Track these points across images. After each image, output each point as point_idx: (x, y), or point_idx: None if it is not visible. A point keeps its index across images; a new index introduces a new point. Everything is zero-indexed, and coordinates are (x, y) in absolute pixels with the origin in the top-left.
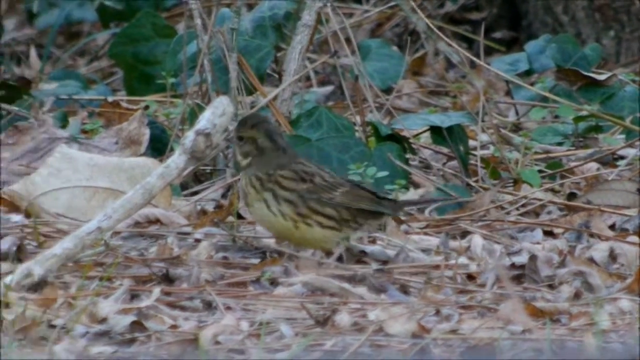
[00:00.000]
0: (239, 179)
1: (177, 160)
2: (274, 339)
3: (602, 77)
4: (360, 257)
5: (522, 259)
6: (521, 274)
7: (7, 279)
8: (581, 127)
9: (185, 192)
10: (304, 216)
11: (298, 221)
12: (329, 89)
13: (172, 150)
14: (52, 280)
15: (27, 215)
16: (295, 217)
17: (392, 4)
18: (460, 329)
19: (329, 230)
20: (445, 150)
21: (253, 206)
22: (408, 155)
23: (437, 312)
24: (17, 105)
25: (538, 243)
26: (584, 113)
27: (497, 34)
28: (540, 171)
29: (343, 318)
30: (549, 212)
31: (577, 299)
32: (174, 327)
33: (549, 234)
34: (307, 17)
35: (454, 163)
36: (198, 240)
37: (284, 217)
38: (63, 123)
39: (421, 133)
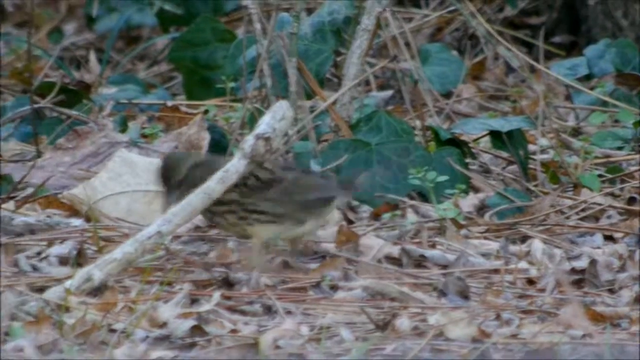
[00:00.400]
0: None
1: (236, 164)
2: (334, 344)
3: None
4: (420, 261)
5: (582, 263)
6: (581, 279)
7: (68, 283)
8: None
9: None
10: (244, 218)
11: (242, 224)
12: (388, 93)
13: (231, 154)
14: (112, 284)
15: (87, 219)
16: (237, 222)
17: (452, 8)
18: (520, 333)
19: (267, 225)
20: (504, 154)
21: (217, 227)
22: (468, 160)
23: (497, 317)
24: (76, 109)
25: (598, 247)
26: None
27: (557, 39)
28: (600, 175)
29: (403, 322)
30: (609, 217)
31: (637, 303)
32: (234, 331)
33: (609, 238)
34: (367, 21)
35: (514, 167)
36: None
37: (233, 227)
38: (123, 127)
39: (481, 137)
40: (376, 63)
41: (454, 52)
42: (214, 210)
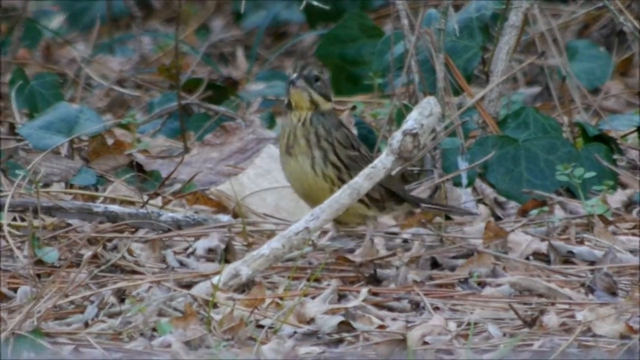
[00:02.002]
0: (290, 122)
1: (384, 160)
2: (482, 340)
3: None
4: (568, 257)
5: None
6: None
7: (215, 279)
8: None
9: None
10: (343, 182)
11: (337, 185)
12: (536, 89)
13: (379, 150)
14: (259, 280)
15: (235, 215)
16: (335, 181)
17: (600, 4)
18: None
19: (358, 203)
20: None
21: (296, 158)
22: (615, 156)
23: None
24: (224, 105)
25: None
26: None
27: None
28: None
29: (551, 318)
30: None
31: None
32: (381, 327)
33: None
34: (514, 17)
35: None
36: (406, 241)
37: (324, 178)
38: (270, 123)
39: (629, 134)
40: (524, 59)
41: (602, 49)
42: (329, 155)
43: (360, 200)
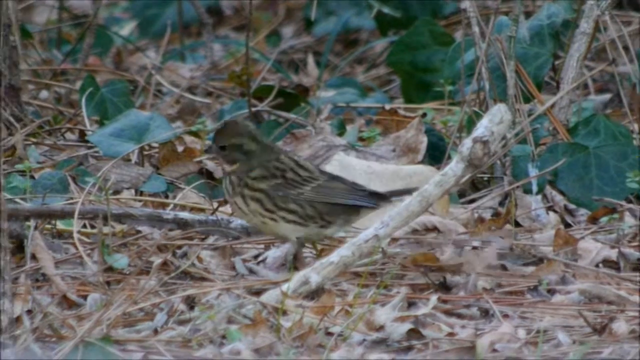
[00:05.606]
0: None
1: (454, 168)
2: (551, 347)
3: None
4: (638, 264)
5: None
6: None
7: (285, 287)
8: None
9: (462, 200)
10: (270, 212)
11: (265, 217)
12: (606, 96)
13: (449, 158)
14: (329, 287)
15: None
16: (263, 213)
17: None
18: None
19: (292, 224)
20: None
21: (232, 203)
22: None
23: None
24: (294, 112)
25: None
26: None
27: None
28: None
29: (620, 326)
30: None
31: None
32: (451, 334)
33: None
34: (585, 25)
35: None
36: (475, 248)
37: (253, 214)
38: (340, 130)
39: None
40: (594, 66)
41: None
42: (246, 194)
43: (292, 221)
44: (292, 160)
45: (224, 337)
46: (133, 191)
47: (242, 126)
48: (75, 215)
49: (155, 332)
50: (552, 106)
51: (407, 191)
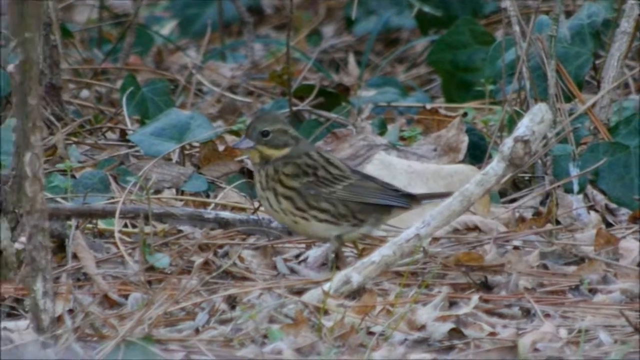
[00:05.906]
0: (255, 172)
1: (495, 167)
2: (593, 347)
3: None
4: None
5: None
6: None
7: (326, 286)
8: None
9: (503, 199)
10: (301, 211)
11: (297, 216)
12: None
13: (490, 157)
14: (370, 287)
15: None
16: (294, 212)
17: None
18: None
19: (325, 223)
20: None
21: (262, 199)
22: None
23: None
24: (335, 112)
25: None
26: None
27: None
28: None
29: None
30: None
31: None
32: (492, 334)
33: None
34: (626, 24)
35: None
36: (516, 248)
37: (284, 212)
38: (381, 130)
39: None
40: (635, 66)
41: None
42: (278, 191)
43: (325, 220)
44: (322, 157)
45: (265, 336)
46: (174, 190)
47: (279, 115)
48: (117, 215)
49: (197, 331)
50: (593, 105)
51: (440, 195)
